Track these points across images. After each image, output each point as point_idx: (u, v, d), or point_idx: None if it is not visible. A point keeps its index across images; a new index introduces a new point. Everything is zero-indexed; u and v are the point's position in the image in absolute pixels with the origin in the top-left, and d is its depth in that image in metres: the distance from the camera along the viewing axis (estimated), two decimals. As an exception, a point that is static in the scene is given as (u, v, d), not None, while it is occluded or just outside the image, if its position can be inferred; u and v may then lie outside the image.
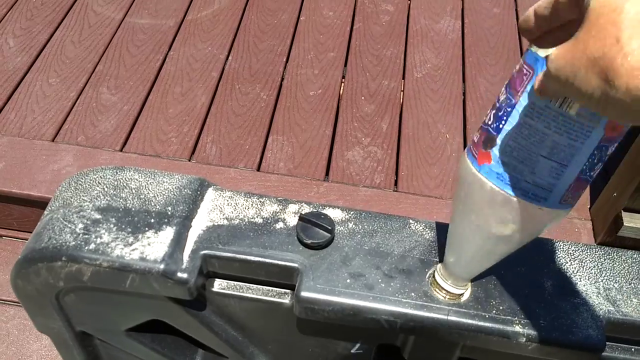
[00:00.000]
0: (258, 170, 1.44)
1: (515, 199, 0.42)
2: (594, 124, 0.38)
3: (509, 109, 0.41)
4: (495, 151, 0.42)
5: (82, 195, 0.60)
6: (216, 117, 1.56)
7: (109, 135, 1.48)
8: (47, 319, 0.64)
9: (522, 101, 0.40)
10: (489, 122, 0.43)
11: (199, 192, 0.61)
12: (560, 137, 0.39)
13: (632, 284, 0.59)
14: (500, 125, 0.42)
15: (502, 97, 0.42)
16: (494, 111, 0.43)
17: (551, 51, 0.34)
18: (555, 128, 0.39)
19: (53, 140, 1.45)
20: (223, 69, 1.69)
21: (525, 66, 0.40)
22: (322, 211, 0.60)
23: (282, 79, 1.68)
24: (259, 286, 0.61)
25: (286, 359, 0.68)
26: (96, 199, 0.59)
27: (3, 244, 1.43)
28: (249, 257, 0.57)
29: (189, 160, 1.45)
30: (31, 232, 1.43)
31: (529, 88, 0.39)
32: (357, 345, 0.65)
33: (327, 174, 1.46)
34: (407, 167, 1.48)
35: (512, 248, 0.48)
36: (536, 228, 0.45)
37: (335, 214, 0.61)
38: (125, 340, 0.67)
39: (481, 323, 0.54)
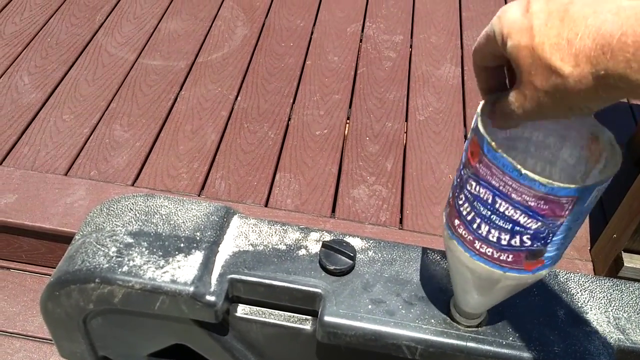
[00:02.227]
0: (266, 206, 1.47)
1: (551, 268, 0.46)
2: None
3: (555, 229, 0.41)
4: (547, 255, 0.44)
5: (115, 220, 0.63)
6: (225, 154, 1.60)
7: (121, 170, 1.51)
8: (72, 343, 0.66)
9: (571, 217, 0.41)
10: (526, 245, 0.43)
11: (225, 219, 0.64)
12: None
13: (641, 314, 0.61)
14: (548, 240, 0.42)
15: (533, 225, 0.41)
16: (526, 236, 0.42)
17: None
18: (591, 202, 0.42)
19: (66, 175, 1.48)
20: (232, 108, 1.75)
21: (562, 198, 0.40)
22: (344, 239, 0.63)
23: (289, 119, 1.74)
24: (280, 312, 0.63)
25: (303, 387, 0.70)
26: (128, 224, 0.62)
27: (11, 277, 1.43)
28: (273, 282, 0.59)
29: (199, 196, 1.48)
30: (40, 265, 1.44)
31: (575, 208, 0.40)
32: (374, 373, 0.66)
33: (333, 210, 1.49)
34: (411, 206, 1.52)
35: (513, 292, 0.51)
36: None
37: (355, 242, 0.64)
38: (146, 365, 0.68)
39: (499, 349, 0.56)
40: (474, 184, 0.43)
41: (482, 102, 0.43)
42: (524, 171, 0.39)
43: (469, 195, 0.44)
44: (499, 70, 0.42)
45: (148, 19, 2.05)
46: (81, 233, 0.64)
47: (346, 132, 1.72)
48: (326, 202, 1.50)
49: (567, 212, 0.40)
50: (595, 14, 0.33)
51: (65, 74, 1.81)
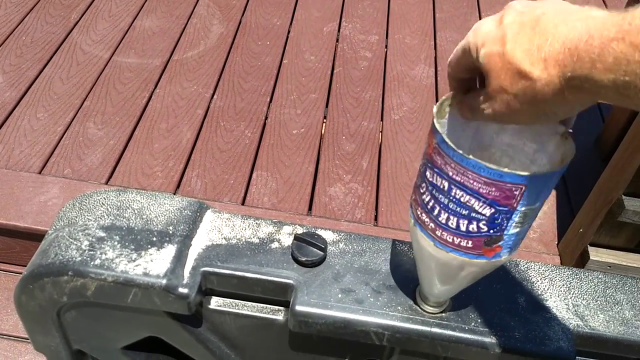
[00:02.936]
0: (242, 204, 1.48)
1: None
2: None
3: (507, 216, 0.43)
4: (504, 242, 0.46)
5: (87, 215, 0.63)
6: (201, 153, 1.60)
7: (95, 168, 1.51)
8: (46, 336, 0.66)
9: (520, 207, 0.43)
10: (483, 231, 0.44)
11: (198, 214, 0.65)
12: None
13: (599, 301, 0.64)
14: (503, 227, 0.44)
15: (487, 211, 0.43)
16: (482, 222, 0.44)
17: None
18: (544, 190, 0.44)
19: (40, 173, 1.47)
20: (208, 106, 1.75)
21: (513, 185, 0.41)
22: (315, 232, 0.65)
23: (266, 118, 1.75)
24: (253, 303, 0.64)
25: (276, 377, 0.71)
26: (100, 219, 0.63)
27: (-17, 276, 1.42)
28: (246, 274, 0.61)
29: (174, 194, 1.48)
30: (14, 264, 1.43)
31: (526, 195, 0.42)
32: (345, 362, 0.68)
33: (310, 208, 1.50)
34: (386, 204, 1.54)
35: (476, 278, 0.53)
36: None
37: (326, 235, 0.66)
38: (121, 358, 0.69)
39: (461, 335, 0.58)
40: (430, 172, 0.45)
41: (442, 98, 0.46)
42: (470, 157, 0.41)
43: (428, 184, 0.46)
44: (471, 82, 0.45)
45: (123, 16, 2.04)
46: (54, 227, 0.64)
47: (323, 131, 1.74)
48: (303, 200, 1.52)
49: (517, 199, 0.42)
50: (565, 22, 0.35)
51: (40, 72, 1.79)
